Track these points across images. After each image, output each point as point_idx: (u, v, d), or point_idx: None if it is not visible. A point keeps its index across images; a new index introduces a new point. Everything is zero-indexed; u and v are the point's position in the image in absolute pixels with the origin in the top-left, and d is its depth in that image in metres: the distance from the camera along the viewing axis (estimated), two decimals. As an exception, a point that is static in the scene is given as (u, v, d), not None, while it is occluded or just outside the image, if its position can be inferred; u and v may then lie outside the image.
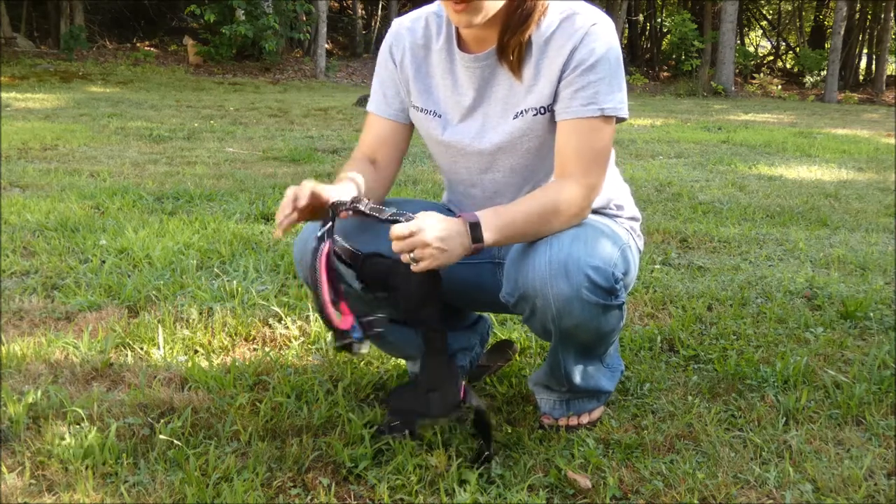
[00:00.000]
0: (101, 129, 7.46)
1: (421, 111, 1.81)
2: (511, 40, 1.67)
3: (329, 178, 5.14)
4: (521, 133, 1.73)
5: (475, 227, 1.57)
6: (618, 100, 1.68)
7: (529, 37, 1.68)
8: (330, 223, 1.59)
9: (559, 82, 1.67)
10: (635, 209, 1.97)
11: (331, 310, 1.52)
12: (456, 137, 1.78)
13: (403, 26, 1.84)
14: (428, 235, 1.50)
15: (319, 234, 1.58)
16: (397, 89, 1.83)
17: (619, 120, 1.72)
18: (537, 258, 1.65)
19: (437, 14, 1.80)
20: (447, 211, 2.00)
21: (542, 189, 1.69)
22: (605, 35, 1.66)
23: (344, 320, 1.53)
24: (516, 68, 1.70)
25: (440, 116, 1.79)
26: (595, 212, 1.86)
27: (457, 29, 1.75)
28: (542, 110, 1.71)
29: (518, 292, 1.69)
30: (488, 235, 1.57)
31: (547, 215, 1.65)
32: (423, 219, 1.53)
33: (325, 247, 1.56)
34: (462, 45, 1.76)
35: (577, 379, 1.84)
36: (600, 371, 1.90)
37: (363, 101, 11.24)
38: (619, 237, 1.77)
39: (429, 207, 1.98)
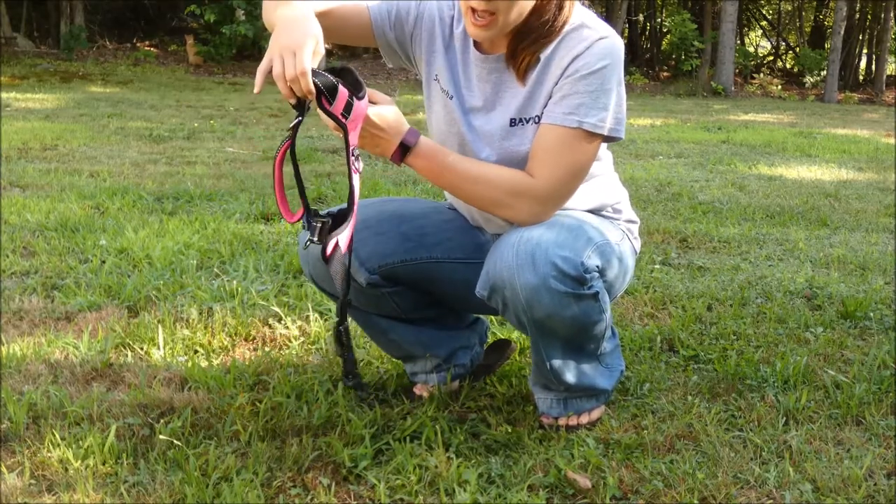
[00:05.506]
0: (101, 129, 7.46)
1: (442, 90, 1.81)
2: (525, 51, 1.68)
3: (329, 177, 5.14)
4: (519, 141, 1.73)
5: (405, 149, 1.65)
6: (601, 118, 1.65)
7: None
8: (298, 120, 1.59)
9: (554, 86, 1.68)
10: (633, 213, 1.98)
11: (282, 205, 1.63)
12: (464, 129, 1.79)
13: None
14: (375, 117, 1.59)
15: (289, 126, 1.60)
16: (403, 26, 1.81)
17: (611, 139, 1.70)
18: (506, 250, 1.66)
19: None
20: (450, 211, 2.00)
21: (512, 170, 1.70)
22: (608, 51, 1.65)
23: (292, 215, 1.64)
24: (522, 76, 1.71)
25: (452, 98, 1.80)
26: (592, 213, 1.87)
27: None
28: (536, 119, 1.71)
29: (489, 284, 1.70)
30: (414, 161, 1.66)
31: (490, 185, 1.68)
32: (388, 106, 1.62)
33: (284, 144, 1.60)
34: (475, 41, 1.77)
35: (569, 377, 1.84)
36: (597, 370, 1.89)
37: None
38: (600, 233, 1.76)
39: (430, 208, 1.99)
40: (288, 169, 1.63)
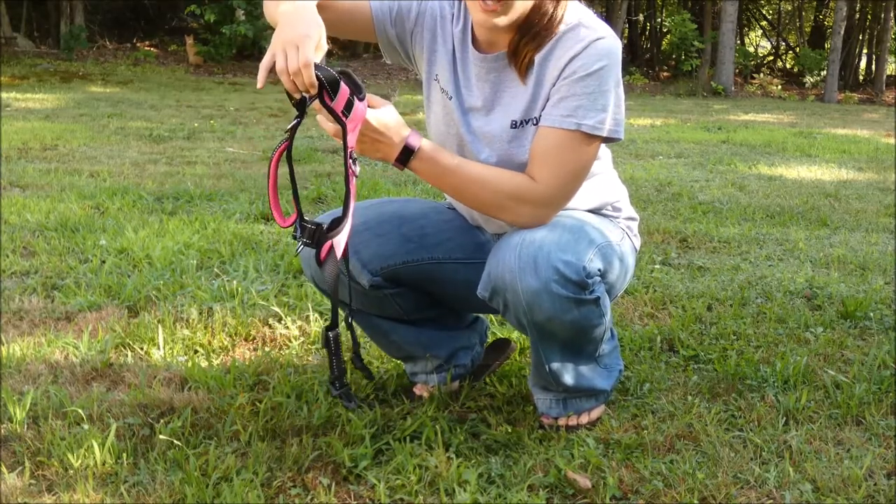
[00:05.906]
0: (101, 129, 7.46)
1: (442, 91, 1.80)
2: (528, 47, 1.67)
3: (329, 177, 5.14)
4: (520, 144, 1.73)
5: (408, 153, 1.63)
6: (600, 119, 1.64)
7: None
8: (297, 121, 1.58)
9: (552, 88, 1.67)
10: (632, 210, 1.98)
11: (275, 208, 1.62)
12: (463, 130, 1.78)
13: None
14: (374, 121, 1.57)
15: (287, 128, 1.60)
16: (404, 23, 1.80)
17: (610, 140, 1.69)
18: (508, 252, 1.66)
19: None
20: (450, 211, 2.00)
21: (512, 173, 1.70)
22: (605, 52, 1.64)
23: (284, 219, 1.63)
24: (523, 73, 1.70)
25: (451, 99, 1.79)
26: (592, 212, 1.87)
27: (471, 24, 1.75)
28: (536, 121, 1.71)
29: (490, 286, 1.70)
30: (417, 165, 1.65)
31: (491, 189, 1.67)
32: (388, 109, 1.61)
33: (282, 146, 1.59)
34: (473, 40, 1.76)
35: (568, 379, 1.84)
36: (595, 371, 1.89)
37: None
38: (601, 233, 1.76)
39: (430, 208, 1.99)
40: (283, 170, 1.61)
